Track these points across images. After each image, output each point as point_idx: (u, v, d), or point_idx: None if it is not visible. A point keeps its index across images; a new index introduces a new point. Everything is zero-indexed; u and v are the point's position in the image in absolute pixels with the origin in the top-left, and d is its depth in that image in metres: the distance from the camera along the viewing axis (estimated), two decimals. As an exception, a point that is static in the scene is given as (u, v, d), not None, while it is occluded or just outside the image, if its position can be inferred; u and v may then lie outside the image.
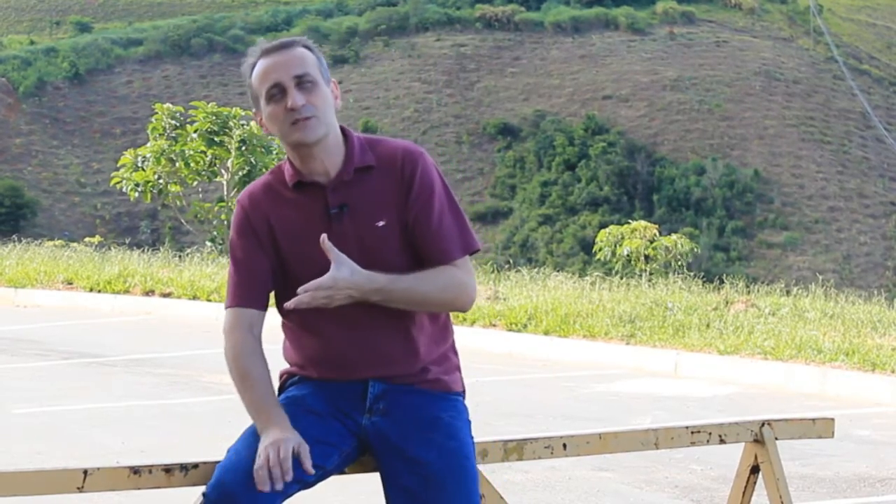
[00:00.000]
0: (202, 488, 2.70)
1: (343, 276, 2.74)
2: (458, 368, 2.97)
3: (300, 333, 2.91)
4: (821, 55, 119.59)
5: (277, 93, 2.79)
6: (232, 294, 2.89)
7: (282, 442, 2.66)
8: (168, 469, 2.74)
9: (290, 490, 2.69)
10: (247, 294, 2.86)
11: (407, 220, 2.85)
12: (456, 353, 2.99)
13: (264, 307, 2.89)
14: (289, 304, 2.77)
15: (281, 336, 2.98)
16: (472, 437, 2.88)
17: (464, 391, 2.97)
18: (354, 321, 2.83)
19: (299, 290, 2.74)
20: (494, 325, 11.39)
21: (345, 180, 2.84)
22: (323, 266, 2.77)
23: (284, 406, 2.82)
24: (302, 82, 2.79)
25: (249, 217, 2.88)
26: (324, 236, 2.75)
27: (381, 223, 2.83)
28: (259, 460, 2.64)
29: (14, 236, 21.06)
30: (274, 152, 19.46)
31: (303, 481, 2.72)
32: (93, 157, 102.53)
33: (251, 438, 2.74)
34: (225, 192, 19.71)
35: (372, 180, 2.85)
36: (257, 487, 2.61)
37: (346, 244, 2.80)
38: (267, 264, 2.86)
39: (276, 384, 2.93)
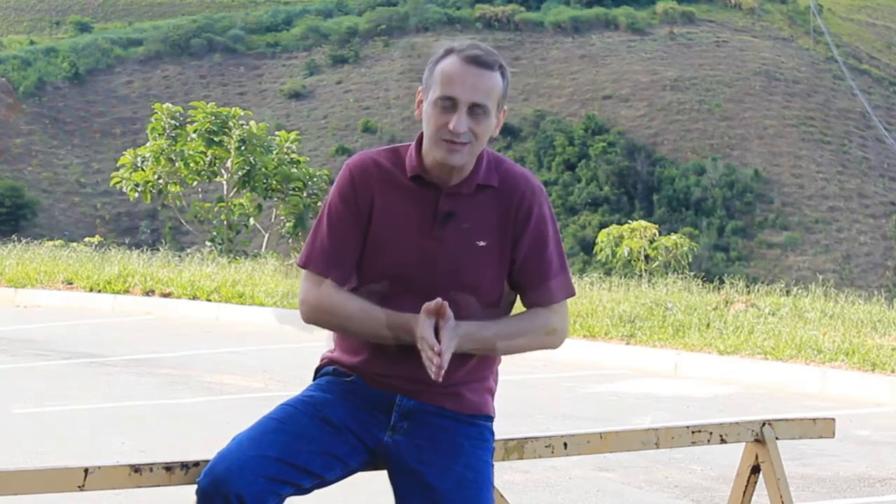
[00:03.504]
0: (202, 485, 2.69)
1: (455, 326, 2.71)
2: (491, 393, 2.94)
3: None
4: (821, 55, 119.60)
5: (449, 105, 2.74)
6: (319, 260, 2.83)
7: (418, 337, 2.69)
8: (169, 467, 2.73)
9: (283, 492, 2.67)
10: (336, 263, 2.81)
11: (514, 255, 2.83)
12: (496, 379, 2.96)
13: (346, 282, 2.84)
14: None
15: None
16: (491, 465, 2.85)
17: (493, 416, 2.94)
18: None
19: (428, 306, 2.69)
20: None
21: (462, 192, 2.81)
22: (403, 262, 2.76)
23: (302, 404, 2.80)
24: (475, 110, 2.74)
25: (356, 187, 2.82)
26: (445, 303, 2.68)
27: (481, 243, 2.80)
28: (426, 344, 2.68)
29: (14, 236, 21.04)
30: (274, 152, 19.47)
31: (297, 486, 2.70)
32: (93, 157, 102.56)
33: (260, 435, 2.70)
34: (225, 192, 19.72)
35: (487, 199, 2.82)
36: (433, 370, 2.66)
37: (442, 253, 2.78)
38: (360, 242, 2.82)
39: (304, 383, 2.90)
